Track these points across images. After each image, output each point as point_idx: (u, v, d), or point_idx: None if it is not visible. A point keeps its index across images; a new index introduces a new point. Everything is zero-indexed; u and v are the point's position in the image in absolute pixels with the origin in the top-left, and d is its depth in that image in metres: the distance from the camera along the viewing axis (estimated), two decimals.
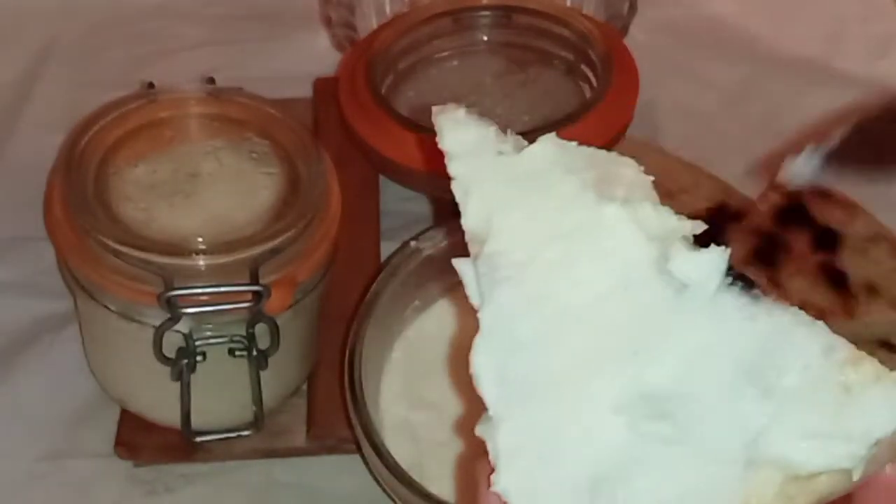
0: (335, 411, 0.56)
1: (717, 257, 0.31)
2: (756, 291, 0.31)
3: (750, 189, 0.64)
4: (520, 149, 0.33)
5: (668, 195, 0.62)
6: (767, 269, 0.59)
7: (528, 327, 0.32)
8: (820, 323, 0.31)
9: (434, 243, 0.56)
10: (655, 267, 0.32)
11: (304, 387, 0.59)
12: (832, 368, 0.31)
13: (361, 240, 0.64)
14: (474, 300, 0.32)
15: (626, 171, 0.33)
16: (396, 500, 0.51)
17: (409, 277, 0.56)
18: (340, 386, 0.54)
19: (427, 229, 0.57)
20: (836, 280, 0.59)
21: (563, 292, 0.32)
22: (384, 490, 0.52)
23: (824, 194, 0.62)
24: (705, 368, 0.31)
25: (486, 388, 0.31)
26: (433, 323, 0.58)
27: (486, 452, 0.31)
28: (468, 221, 0.33)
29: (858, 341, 0.64)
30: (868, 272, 0.59)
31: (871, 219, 0.62)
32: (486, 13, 0.71)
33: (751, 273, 0.32)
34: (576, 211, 0.32)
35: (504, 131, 0.34)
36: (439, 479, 0.52)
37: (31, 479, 0.57)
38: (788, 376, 0.31)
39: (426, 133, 0.62)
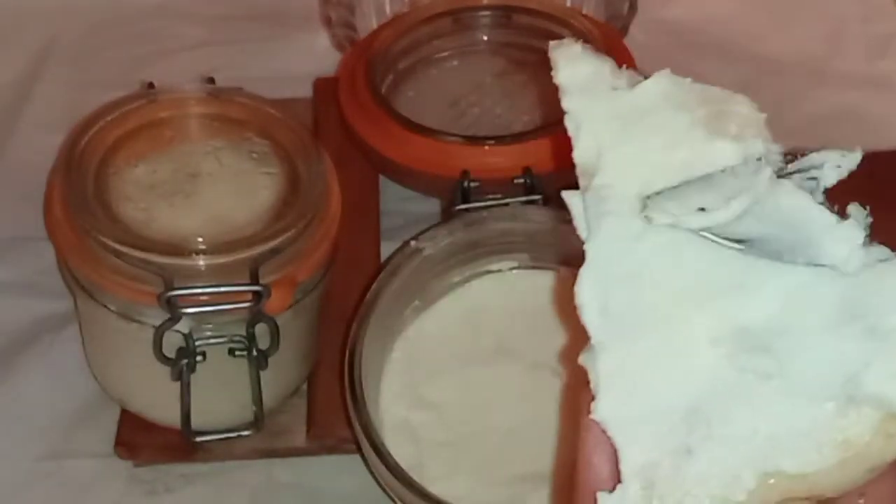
0: (335, 411, 0.56)
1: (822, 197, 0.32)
2: (865, 232, 0.31)
3: None
4: (634, 84, 0.34)
5: None
6: None
7: (633, 260, 0.32)
8: None
9: (434, 243, 0.56)
10: (769, 201, 0.32)
11: (304, 387, 0.59)
12: None
13: (361, 240, 0.64)
14: (581, 232, 0.33)
15: (740, 108, 0.33)
16: (396, 500, 0.51)
17: (409, 277, 0.56)
18: (340, 386, 0.54)
19: (427, 229, 0.57)
20: None
21: (671, 226, 0.32)
22: (384, 490, 0.52)
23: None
24: (807, 304, 0.31)
25: (590, 317, 0.32)
26: (433, 323, 0.58)
27: (588, 382, 0.32)
28: (579, 155, 0.33)
29: None
30: None
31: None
32: (486, 13, 0.71)
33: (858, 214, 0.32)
34: (686, 146, 0.32)
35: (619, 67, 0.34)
36: (439, 479, 0.52)
37: (32, 479, 0.57)
38: (891, 317, 0.31)
39: (426, 134, 0.62)
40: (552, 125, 0.62)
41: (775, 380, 0.31)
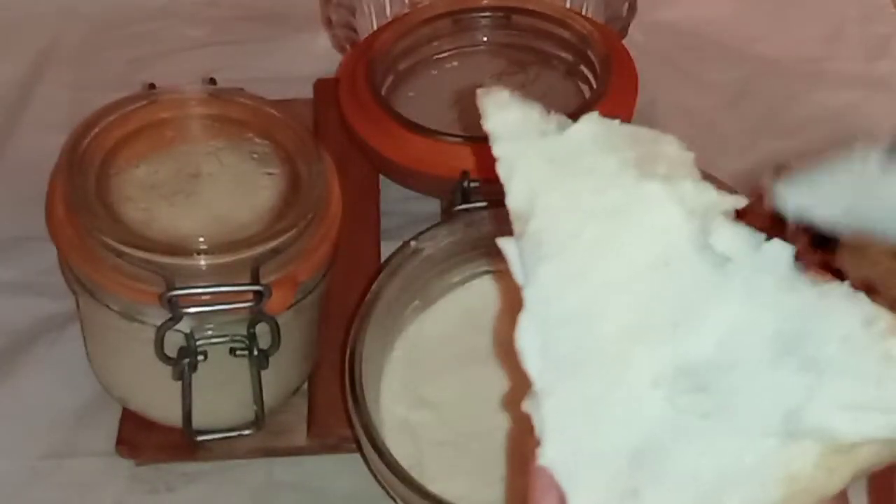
0: (335, 411, 0.56)
1: (754, 231, 0.32)
2: (796, 263, 0.32)
3: (749, 189, 0.64)
4: (563, 128, 0.34)
5: None
6: None
7: (571, 303, 0.32)
8: (860, 294, 0.31)
9: (434, 243, 0.57)
10: (695, 242, 0.32)
11: (305, 386, 0.59)
12: (873, 339, 0.31)
13: (361, 240, 0.64)
14: (518, 278, 0.33)
15: (668, 148, 0.34)
16: (396, 499, 0.51)
17: (409, 277, 0.56)
18: (341, 385, 0.54)
19: (427, 229, 0.57)
20: (835, 280, 0.59)
21: (604, 268, 0.32)
22: (384, 489, 0.52)
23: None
24: (744, 340, 0.31)
25: (531, 363, 0.32)
26: (433, 323, 0.58)
27: (532, 429, 0.32)
28: (512, 201, 0.34)
29: None
30: (866, 272, 0.59)
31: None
32: (486, 14, 0.71)
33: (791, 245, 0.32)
34: (616, 189, 0.33)
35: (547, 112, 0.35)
36: (439, 478, 0.52)
37: (33, 477, 0.57)
38: (828, 347, 0.31)
39: (426, 134, 0.62)
40: None
41: (715, 418, 0.31)
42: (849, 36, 0.81)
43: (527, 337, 0.32)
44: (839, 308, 0.31)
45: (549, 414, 0.31)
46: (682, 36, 0.80)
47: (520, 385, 0.36)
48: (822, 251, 0.60)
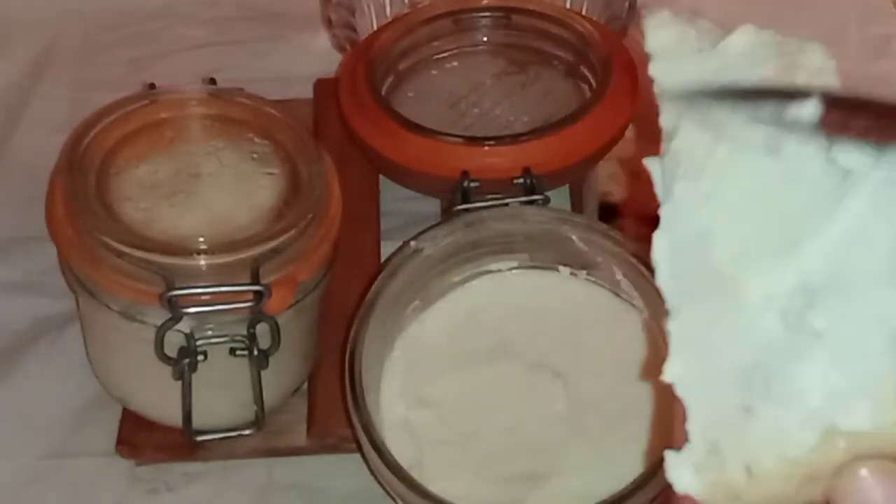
0: (335, 411, 0.56)
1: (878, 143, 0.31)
2: None
3: None
4: (718, 42, 0.34)
5: None
6: None
7: (700, 222, 0.32)
8: None
9: (434, 243, 0.57)
10: (818, 155, 0.32)
11: (305, 386, 0.59)
12: None
13: (361, 240, 0.65)
14: (658, 195, 0.33)
15: (811, 56, 0.34)
16: (396, 499, 0.51)
17: (409, 277, 0.56)
18: (341, 385, 0.54)
19: (427, 229, 0.57)
20: None
21: (731, 187, 0.32)
22: (384, 489, 0.52)
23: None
24: (861, 255, 0.31)
25: (663, 280, 0.32)
26: (433, 323, 0.58)
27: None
28: (663, 119, 0.34)
29: None
30: None
31: None
32: (486, 14, 0.71)
33: None
34: (748, 106, 0.32)
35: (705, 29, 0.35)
36: (439, 478, 0.52)
37: (33, 478, 0.57)
38: None
39: (426, 134, 0.62)
40: (552, 125, 0.62)
41: (828, 336, 0.30)
42: (848, 36, 0.81)
43: (660, 254, 0.32)
44: None
45: (675, 332, 0.32)
46: None
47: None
48: None
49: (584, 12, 0.73)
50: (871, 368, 0.30)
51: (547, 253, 0.58)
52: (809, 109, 0.31)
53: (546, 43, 0.70)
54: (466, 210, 0.58)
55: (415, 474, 0.50)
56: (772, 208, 0.32)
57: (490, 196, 0.59)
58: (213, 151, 0.56)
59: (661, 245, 0.32)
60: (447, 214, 0.59)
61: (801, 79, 0.33)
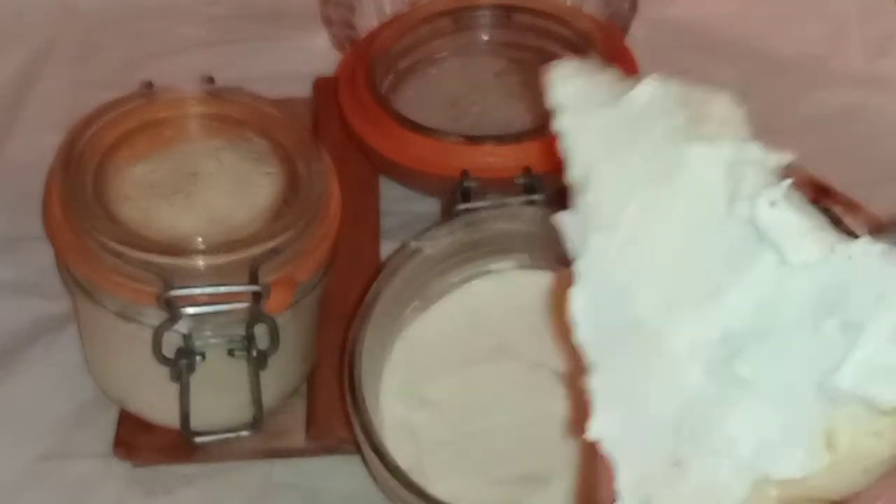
0: (335, 411, 0.56)
1: (796, 189, 0.31)
2: (833, 222, 0.31)
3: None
4: (622, 95, 0.34)
5: None
6: None
7: (618, 274, 0.32)
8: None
9: (434, 243, 0.56)
10: (734, 203, 0.31)
11: (304, 387, 0.59)
12: None
13: (361, 240, 0.64)
14: (571, 251, 0.33)
15: (718, 106, 0.33)
16: (396, 500, 0.51)
17: (409, 277, 0.56)
18: (340, 386, 0.54)
19: (427, 229, 0.57)
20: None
21: (648, 237, 0.32)
22: (383, 491, 0.51)
23: (827, 193, 0.62)
24: (782, 303, 0.31)
25: (583, 336, 0.32)
26: (433, 323, 0.58)
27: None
28: (571, 174, 0.33)
29: None
30: None
31: (873, 217, 0.62)
32: (487, 12, 0.71)
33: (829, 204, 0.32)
34: (662, 155, 0.32)
35: (614, 79, 0.34)
36: (439, 479, 0.52)
37: (30, 479, 0.57)
38: (865, 308, 0.30)
39: (426, 133, 0.62)
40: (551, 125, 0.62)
41: (754, 385, 0.30)
42: (850, 35, 0.81)
43: (578, 309, 0.32)
44: (875, 265, 0.30)
45: (598, 388, 0.31)
46: (682, 34, 0.80)
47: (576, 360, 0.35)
48: None
49: (584, 10, 0.72)
50: (801, 415, 0.30)
51: (547, 253, 0.58)
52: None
53: (547, 41, 0.70)
54: (466, 210, 0.58)
55: (414, 475, 0.50)
56: (690, 256, 0.32)
57: (490, 196, 0.59)
58: (211, 151, 0.56)
59: (579, 300, 0.32)
60: (447, 214, 0.59)
61: (709, 129, 0.33)
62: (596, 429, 0.31)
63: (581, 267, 0.32)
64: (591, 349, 0.32)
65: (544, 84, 0.34)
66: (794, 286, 0.31)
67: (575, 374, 0.37)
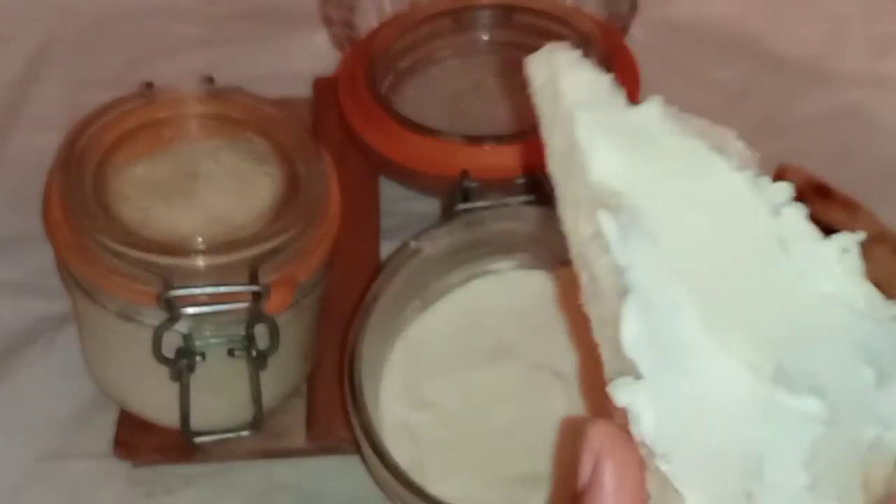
0: (335, 412, 0.56)
1: (842, 240, 0.32)
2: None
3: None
4: (629, 104, 0.32)
5: None
6: None
7: (672, 292, 0.30)
8: None
9: (434, 243, 0.56)
10: (779, 241, 0.31)
11: (304, 387, 0.59)
12: None
13: (361, 240, 0.64)
14: (618, 257, 0.31)
15: (736, 143, 0.32)
16: (396, 500, 0.51)
17: (408, 277, 0.56)
18: (340, 386, 0.54)
19: (427, 229, 0.57)
20: None
21: (702, 258, 0.31)
22: (383, 491, 0.51)
23: (826, 193, 0.62)
24: (825, 346, 0.30)
25: (638, 352, 0.30)
26: (433, 323, 0.58)
27: (608, 412, 0.30)
28: (597, 172, 0.31)
29: None
30: (870, 272, 0.59)
31: (872, 218, 0.62)
32: (487, 12, 0.71)
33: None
34: (712, 178, 0.32)
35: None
36: (439, 479, 0.52)
37: (30, 479, 0.57)
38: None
39: (426, 133, 0.62)
40: None
41: (814, 422, 0.30)
42: (851, 35, 0.80)
43: (630, 323, 0.30)
44: None
45: (652, 406, 0.30)
46: (683, 34, 0.80)
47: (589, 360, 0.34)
48: None
49: (584, 10, 0.72)
50: (846, 457, 0.30)
51: (547, 253, 0.58)
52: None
53: (546, 41, 0.69)
54: (466, 210, 0.58)
55: (414, 475, 0.50)
56: (737, 287, 0.31)
57: (490, 196, 0.59)
58: (211, 151, 0.56)
59: (631, 313, 0.30)
60: (447, 214, 0.59)
61: (736, 163, 0.32)
62: (659, 451, 0.29)
63: (631, 278, 0.30)
64: (647, 365, 0.30)
65: (532, 68, 0.33)
66: (836, 330, 0.30)
67: (587, 376, 0.36)
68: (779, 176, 0.63)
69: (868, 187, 0.64)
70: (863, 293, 0.31)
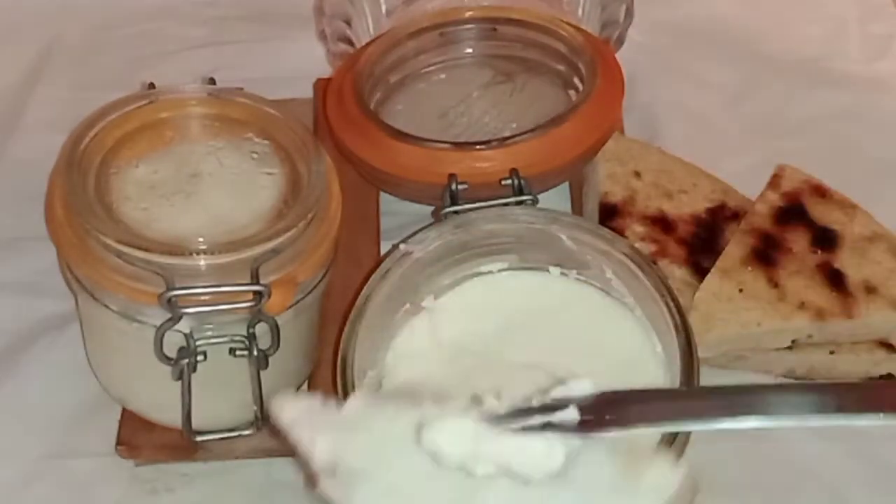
0: None
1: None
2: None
3: (749, 189, 0.64)
4: (340, 405, 0.43)
5: (667, 196, 0.63)
6: (766, 269, 0.59)
7: None
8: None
9: (424, 246, 0.56)
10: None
11: (305, 386, 0.59)
12: None
13: (361, 240, 0.64)
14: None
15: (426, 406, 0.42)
16: None
17: (399, 281, 0.55)
18: (334, 392, 0.54)
19: (416, 232, 0.56)
20: (835, 280, 0.59)
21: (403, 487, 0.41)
22: None
23: (823, 194, 0.62)
24: None
25: None
26: (425, 326, 0.57)
27: None
28: (318, 463, 0.42)
29: (857, 341, 0.64)
30: (867, 272, 0.59)
31: (869, 219, 0.62)
32: (472, 26, 0.70)
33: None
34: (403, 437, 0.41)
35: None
36: None
37: (32, 478, 0.57)
38: None
39: (414, 142, 0.62)
40: (538, 127, 0.62)
41: None
42: (849, 36, 0.81)
43: None
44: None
45: None
46: (681, 35, 0.80)
47: None
48: (822, 251, 0.60)
49: (579, 16, 0.72)
50: None
51: (537, 253, 0.57)
52: (570, 414, 0.39)
53: (532, 52, 0.69)
54: (455, 212, 0.57)
55: None
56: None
57: (478, 198, 0.59)
58: (212, 151, 0.56)
59: None
60: (436, 217, 0.59)
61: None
62: None
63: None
64: None
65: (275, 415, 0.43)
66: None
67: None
68: (777, 176, 0.63)
69: (866, 187, 0.64)
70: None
